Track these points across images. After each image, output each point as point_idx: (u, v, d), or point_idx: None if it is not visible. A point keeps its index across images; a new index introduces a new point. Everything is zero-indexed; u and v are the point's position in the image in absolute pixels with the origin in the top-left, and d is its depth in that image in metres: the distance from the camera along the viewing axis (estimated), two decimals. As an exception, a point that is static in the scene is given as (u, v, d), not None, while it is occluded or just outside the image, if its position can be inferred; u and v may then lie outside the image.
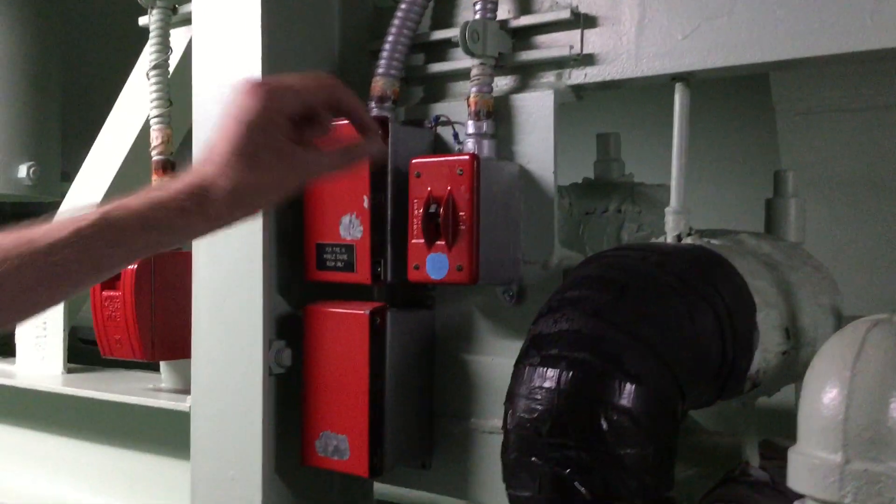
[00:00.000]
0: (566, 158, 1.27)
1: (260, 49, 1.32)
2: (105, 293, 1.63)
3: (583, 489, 0.90)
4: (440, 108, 1.35)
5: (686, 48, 1.14)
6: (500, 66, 1.28)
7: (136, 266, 1.61)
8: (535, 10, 1.28)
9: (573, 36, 1.24)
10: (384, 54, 1.34)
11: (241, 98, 0.88)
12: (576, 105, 1.29)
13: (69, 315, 1.97)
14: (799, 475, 0.80)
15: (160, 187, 0.88)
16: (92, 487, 1.83)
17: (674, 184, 1.18)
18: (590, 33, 1.23)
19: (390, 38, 1.34)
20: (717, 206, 1.92)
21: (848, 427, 0.75)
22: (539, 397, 0.93)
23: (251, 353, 1.34)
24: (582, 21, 1.23)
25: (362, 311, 1.26)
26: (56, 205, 2.00)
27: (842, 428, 0.75)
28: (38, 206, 2.47)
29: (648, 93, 1.57)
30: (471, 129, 1.26)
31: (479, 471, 1.31)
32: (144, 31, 1.69)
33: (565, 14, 1.23)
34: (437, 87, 1.39)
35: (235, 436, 1.37)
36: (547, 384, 0.93)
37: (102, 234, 0.83)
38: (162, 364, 1.77)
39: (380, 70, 1.34)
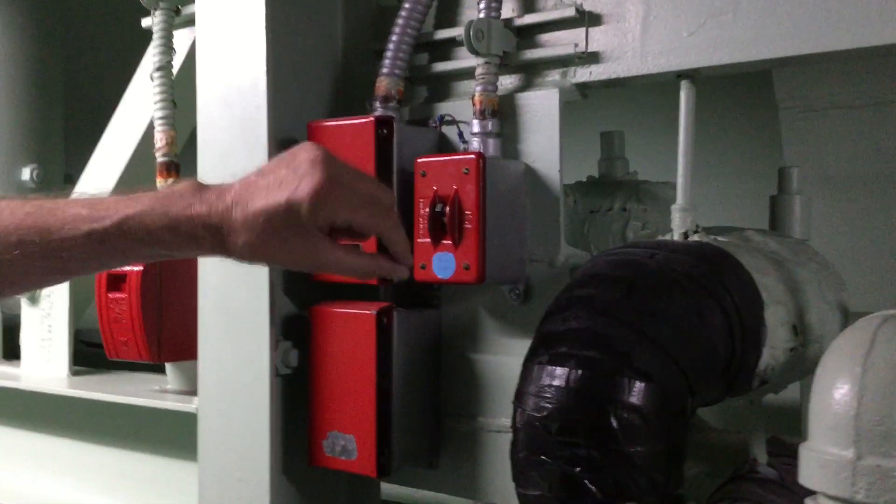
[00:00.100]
0: (569, 157, 1.26)
1: (264, 49, 1.32)
2: (111, 295, 1.62)
3: (593, 487, 0.90)
4: (445, 108, 1.35)
5: (691, 45, 1.14)
6: (505, 64, 1.28)
7: (141, 268, 1.61)
8: (539, 9, 1.28)
9: (578, 34, 1.24)
10: (388, 54, 1.34)
11: (299, 162, 0.85)
12: (579, 104, 1.29)
13: (74, 318, 1.97)
14: (810, 471, 0.80)
15: (180, 208, 0.85)
16: (99, 489, 1.83)
17: (680, 181, 1.17)
18: (594, 31, 1.23)
19: (394, 38, 1.34)
20: (721, 204, 1.92)
21: (860, 423, 0.75)
22: (549, 395, 0.93)
23: (258, 354, 1.34)
24: (587, 19, 1.23)
25: (369, 311, 1.26)
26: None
27: (853, 424, 0.75)
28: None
29: (651, 91, 1.57)
30: (476, 129, 1.26)
31: (487, 470, 1.31)
32: (147, 33, 1.69)
33: (570, 12, 1.23)
34: (442, 87, 1.39)
35: (243, 437, 1.37)
36: (556, 382, 0.93)
37: (115, 244, 0.84)
38: (168, 366, 1.76)
39: (384, 70, 1.33)
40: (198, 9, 1.44)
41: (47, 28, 2.36)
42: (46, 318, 1.99)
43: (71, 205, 0.85)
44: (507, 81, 1.30)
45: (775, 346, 1.07)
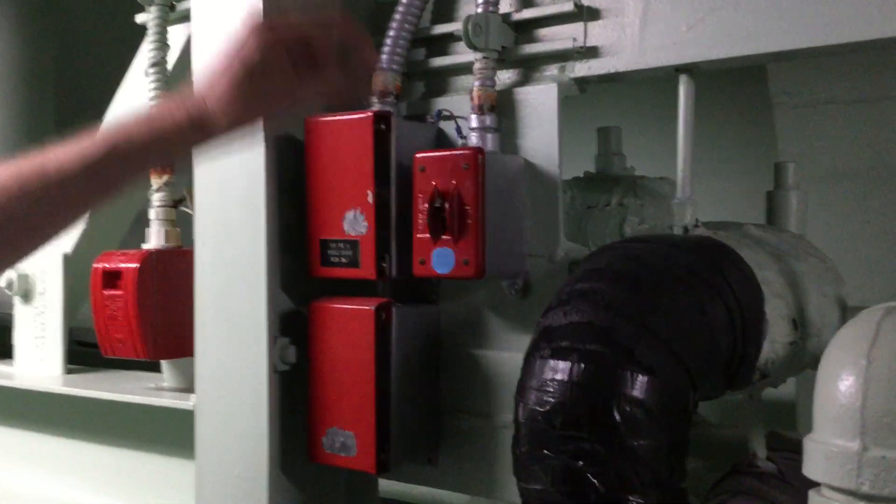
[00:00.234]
0: (566, 153, 1.26)
1: (261, 45, 1.31)
2: (107, 292, 1.61)
3: (596, 481, 0.90)
4: (443, 103, 1.35)
5: (690, 39, 1.14)
6: (503, 59, 1.28)
7: (137, 265, 1.60)
8: (537, 3, 1.28)
9: (576, 28, 1.23)
10: (386, 49, 1.33)
11: (244, 37, 0.96)
12: (575, 99, 1.29)
13: (68, 316, 1.96)
14: (815, 463, 0.80)
15: (162, 116, 0.97)
16: (95, 488, 1.82)
17: (680, 175, 1.18)
18: (593, 26, 1.23)
19: (392, 33, 1.33)
20: (717, 199, 1.93)
21: (865, 414, 0.75)
22: (551, 390, 0.93)
23: (255, 351, 1.34)
24: (585, 13, 1.23)
25: (368, 307, 1.26)
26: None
27: (859, 415, 0.75)
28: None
29: (648, 86, 1.58)
30: (474, 124, 1.26)
31: (486, 466, 1.31)
32: (141, 29, 1.68)
33: (568, 6, 1.23)
34: (440, 82, 1.39)
35: (241, 434, 1.37)
36: (559, 376, 0.92)
37: (109, 165, 0.93)
38: (163, 363, 1.76)
39: (381, 65, 1.33)
40: (193, 4, 1.43)
41: (39, 24, 2.35)
42: (40, 316, 1.98)
43: (57, 148, 0.95)
44: (505, 76, 1.30)
45: (776, 339, 1.07)
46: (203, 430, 1.42)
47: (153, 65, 1.63)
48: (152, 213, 1.70)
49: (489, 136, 1.25)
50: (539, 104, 1.25)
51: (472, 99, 1.26)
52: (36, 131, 2.37)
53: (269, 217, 1.33)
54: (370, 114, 1.25)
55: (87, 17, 2.62)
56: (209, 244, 1.40)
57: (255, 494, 1.35)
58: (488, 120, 1.25)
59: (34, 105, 2.38)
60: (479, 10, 1.25)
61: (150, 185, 1.68)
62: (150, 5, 1.64)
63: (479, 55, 1.25)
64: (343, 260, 1.28)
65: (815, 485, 0.83)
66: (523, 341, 1.03)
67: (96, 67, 2.35)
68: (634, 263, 1.00)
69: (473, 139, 1.26)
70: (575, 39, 1.23)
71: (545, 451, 0.93)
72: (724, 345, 0.99)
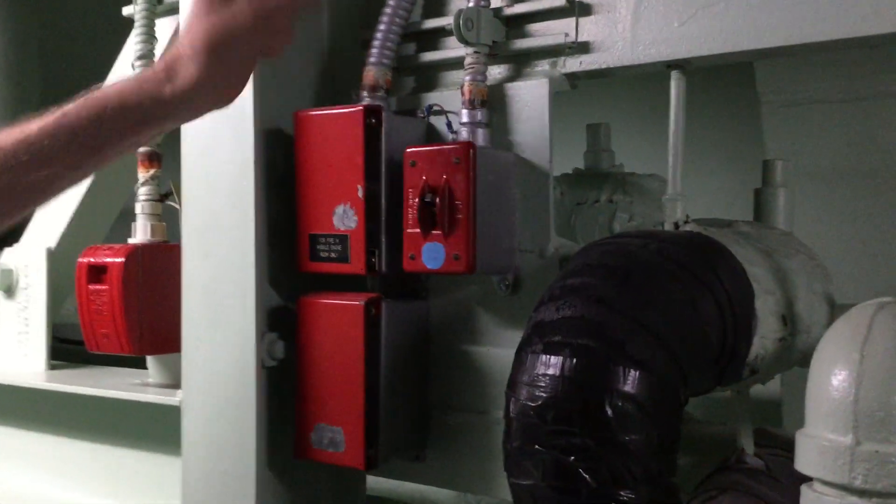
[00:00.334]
0: (555, 149, 1.26)
1: (250, 38, 1.30)
2: (92, 287, 1.60)
3: (587, 476, 0.90)
4: (433, 98, 1.34)
5: (683, 35, 1.14)
6: (494, 54, 1.28)
7: (123, 259, 1.58)
8: (529, -2, 1.28)
9: (568, 24, 1.23)
10: (376, 43, 1.32)
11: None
12: (564, 96, 1.29)
13: (51, 312, 1.94)
14: (808, 458, 0.80)
15: (143, 72, 1.08)
16: (79, 485, 1.80)
17: (671, 171, 1.18)
18: (585, 21, 1.22)
19: (382, 27, 1.33)
20: (705, 196, 1.93)
21: (858, 409, 0.75)
22: (543, 384, 0.92)
23: (243, 346, 1.33)
24: (577, 8, 1.22)
25: (357, 302, 1.25)
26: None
27: (852, 410, 0.76)
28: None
29: (637, 83, 1.58)
30: (465, 118, 1.26)
31: (475, 462, 1.31)
32: (127, 22, 1.67)
33: (560, 2, 1.22)
34: (430, 77, 1.38)
35: (228, 430, 1.36)
36: (551, 371, 0.92)
37: (88, 121, 0.99)
38: (149, 359, 1.74)
39: (371, 59, 1.32)
40: (181, -4, 1.42)
41: (24, 18, 2.32)
42: (23, 312, 1.96)
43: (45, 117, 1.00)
44: (496, 71, 1.30)
45: (765, 335, 1.07)
46: (190, 427, 1.41)
47: (140, 57, 1.61)
48: (138, 208, 1.68)
49: (480, 131, 1.25)
50: (530, 99, 1.25)
51: (462, 94, 1.26)
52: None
53: (258, 211, 1.32)
54: (360, 108, 1.24)
55: (73, 10, 2.59)
56: (197, 238, 1.39)
57: (243, 491, 1.34)
58: (479, 115, 1.25)
59: (18, 101, 2.36)
60: (471, 4, 1.25)
61: (136, 180, 1.67)
62: (137, -2, 1.62)
63: (470, 50, 1.25)
64: (332, 255, 1.28)
65: (805, 480, 0.83)
66: (513, 337, 1.03)
67: (82, 61, 2.33)
68: (626, 259, 1.00)
69: (464, 134, 1.25)
70: (567, 35, 1.23)
71: (536, 447, 0.93)
72: (714, 340, 0.99)
